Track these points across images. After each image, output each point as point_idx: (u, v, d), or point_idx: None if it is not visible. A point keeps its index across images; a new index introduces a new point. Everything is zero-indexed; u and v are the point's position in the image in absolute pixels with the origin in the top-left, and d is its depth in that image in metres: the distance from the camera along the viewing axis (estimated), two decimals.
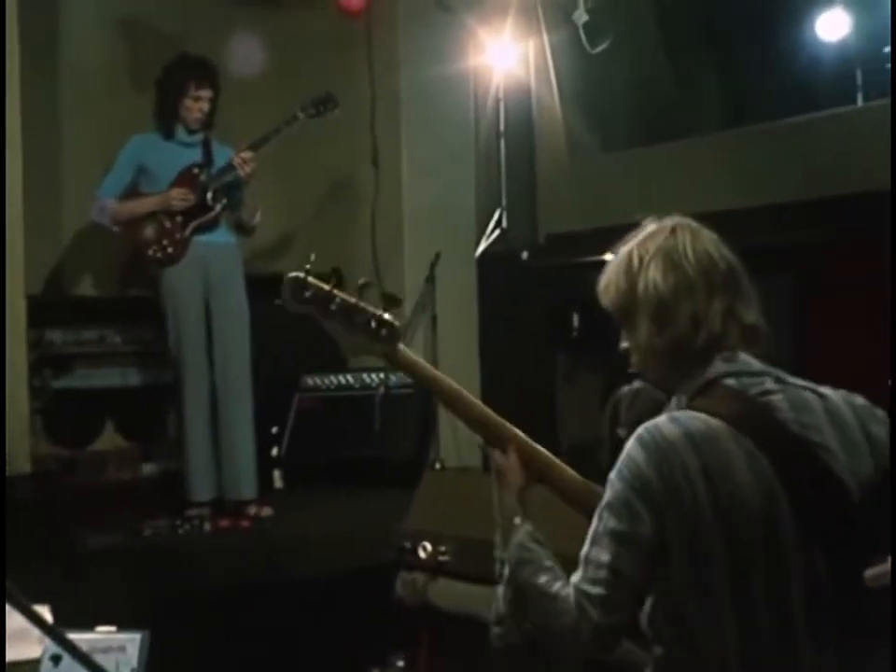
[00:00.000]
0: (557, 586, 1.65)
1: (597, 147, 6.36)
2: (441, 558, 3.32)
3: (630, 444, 1.62)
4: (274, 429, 4.97)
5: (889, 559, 1.44)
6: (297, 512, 4.46)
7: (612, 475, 1.63)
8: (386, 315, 1.86)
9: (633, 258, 1.71)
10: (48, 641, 1.70)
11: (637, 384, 3.73)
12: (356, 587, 3.68)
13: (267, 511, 4.30)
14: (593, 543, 1.62)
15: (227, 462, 4.29)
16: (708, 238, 1.72)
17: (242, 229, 4.45)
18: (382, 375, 4.95)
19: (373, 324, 1.85)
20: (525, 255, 6.22)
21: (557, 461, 1.89)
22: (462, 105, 5.76)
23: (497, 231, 6.29)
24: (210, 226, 4.30)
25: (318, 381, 5.17)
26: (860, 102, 5.33)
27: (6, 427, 3.85)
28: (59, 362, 4.65)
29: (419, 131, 5.49)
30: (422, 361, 1.92)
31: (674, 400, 1.72)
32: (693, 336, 1.66)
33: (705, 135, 6.12)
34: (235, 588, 3.53)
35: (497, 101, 6.40)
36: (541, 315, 5.98)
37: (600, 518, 1.62)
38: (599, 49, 5.06)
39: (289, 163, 5.41)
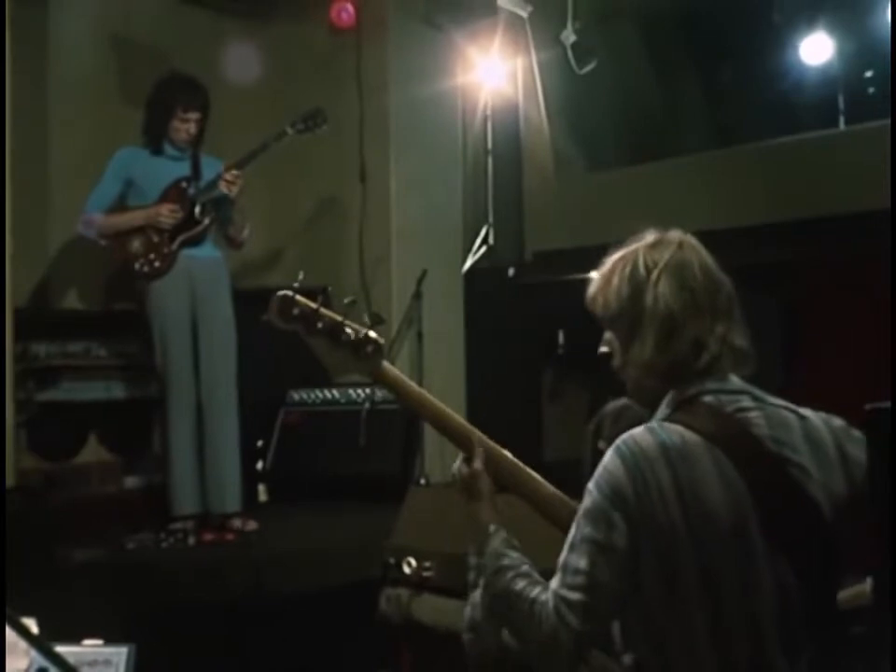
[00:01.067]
0: (535, 591, 1.67)
1: (584, 166, 6.41)
2: (425, 574, 3.34)
3: (608, 455, 1.65)
4: (260, 443, 4.97)
5: (867, 580, 1.46)
6: (281, 527, 4.45)
7: (590, 485, 1.65)
8: (371, 333, 1.89)
9: (639, 266, 1.71)
10: (34, 654, 1.70)
11: (622, 400, 3.75)
12: (341, 602, 3.68)
13: (252, 526, 4.29)
14: (571, 550, 1.64)
15: (211, 475, 4.28)
16: (710, 259, 1.75)
17: (230, 244, 4.46)
18: (368, 391, 4.96)
19: (358, 342, 1.88)
20: (511, 271, 6.24)
21: (528, 470, 1.92)
22: (450, 121, 5.81)
23: (484, 248, 6.31)
24: (197, 240, 4.31)
25: (304, 395, 5.18)
26: (842, 125, 5.39)
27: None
28: (43, 375, 4.64)
29: (407, 147, 5.52)
30: (404, 378, 1.94)
31: (658, 412, 1.74)
32: (695, 358, 1.67)
33: (690, 155, 6.16)
34: (220, 603, 3.52)
35: (485, 118, 6.45)
36: (527, 331, 5.99)
37: (578, 526, 1.64)
38: (587, 69, 5.10)
39: (278, 179, 5.44)
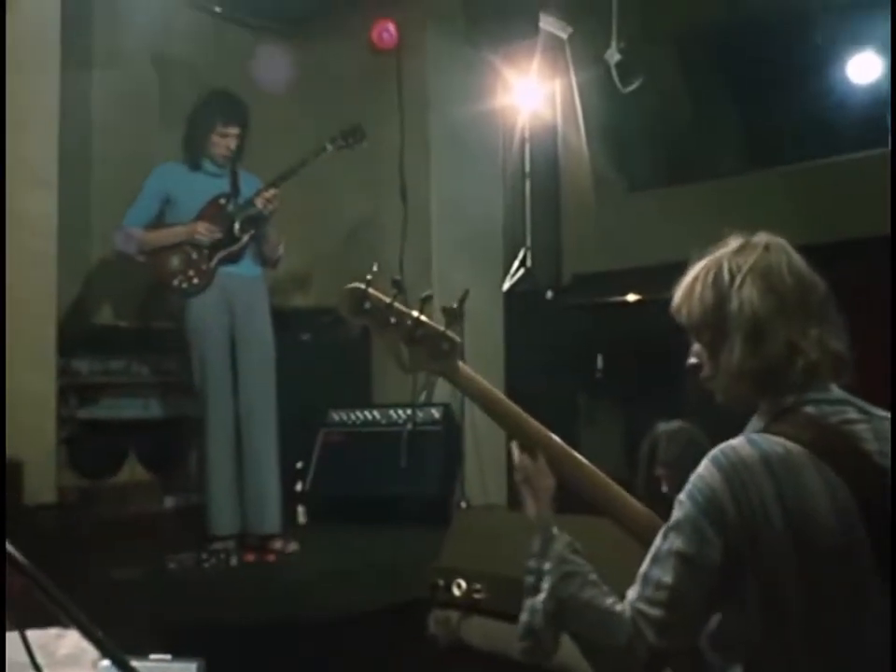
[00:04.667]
0: (608, 602, 1.59)
1: (623, 188, 6.36)
2: (476, 596, 3.26)
3: (704, 465, 1.56)
4: (299, 464, 4.92)
5: None
6: (322, 548, 4.40)
7: (682, 496, 1.57)
8: (448, 331, 1.82)
9: (723, 271, 1.65)
10: (101, 665, 1.65)
11: (675, 422, 3.67)
12: (384, 624, 3.61)
13: (293, 547, 4.24)
14: (655, 562, 1.56)
15: (251, 496, 4.23)
16: (801, 260, 1.67)
17: (265, 262, 4.42)
18: (409, 411, 4.91)
19: (433, 339, 1.80)
20: (549, 294, 6.19)
21: (608, 480, 1.83)
22: (491, 142, 5.78)
23: (522, 271, 6.28)
24: (236, 257, 4.28)
25: (344, 416, 5.13)
26: (889, 145, 5.31)
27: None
28: (85, 392, 4.61)
29: (448, 167, 5.49)
30: (480, 378, 1.85)
31: (750, 425, 1.67)
32: (789, 364, 1.60)
33: (731, 176, 6.11)
34: (264, 623, 3.46)
35: (523, 141, 6.43)
36: (566, 354, 5.94)
37: (665, 537, 1.56)
38: (631, 88, 5.05)
39: (318, 198, 5.41)
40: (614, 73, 4.96)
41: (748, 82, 6.29)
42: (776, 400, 1.62)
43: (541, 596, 1.69)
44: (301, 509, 4.89)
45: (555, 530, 1.73)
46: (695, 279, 1.71)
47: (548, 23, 5.81)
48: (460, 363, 1.82)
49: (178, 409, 4.83)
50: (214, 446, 4.20)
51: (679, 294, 1.74)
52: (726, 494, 1.51)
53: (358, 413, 5.11)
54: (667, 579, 1.53)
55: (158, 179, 4.35)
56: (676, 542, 1.54)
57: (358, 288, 1.81)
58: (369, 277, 1.82)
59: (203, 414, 4.22)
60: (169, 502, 4.91)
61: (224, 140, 4.29)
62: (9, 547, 1.53)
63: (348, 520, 4.80)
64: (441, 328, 1.81)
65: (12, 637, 1.88)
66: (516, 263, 6.29)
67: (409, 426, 4.84)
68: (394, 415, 5.01)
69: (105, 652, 1.52)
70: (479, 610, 3.24)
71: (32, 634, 1.84)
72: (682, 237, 5.77)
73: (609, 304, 5.98)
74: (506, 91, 5.97)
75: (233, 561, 4.03)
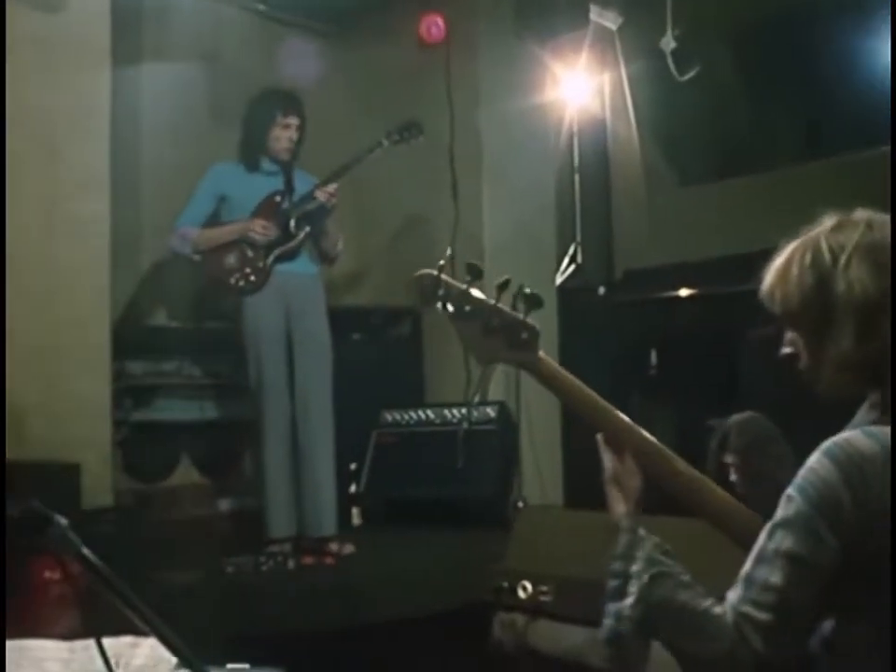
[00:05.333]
0: (705, 605, 1.50)
1: (675, 181, 6.26)
2: (543, 598, 3.18)
3: (815, 459, 1.46)
4: (353, 466, 4.86)
5: None
6: (378, 551, 4.33)
7: (791, 490, 1.47)
8: (527, 319, 1.72)
9: (822, 251, 1.54)
10: None
11: (745, 413, 3.56)
12: (448, 628, 3.54)
13: (349, 549, 4.17)
14: (760, 562, 1.46)
15: (308, 498, 4.16)
16: None
17: (324, 258, 4.37)
18: (463, 411, 4.83)
19: (512, 328, 1.71)
20: (601, 290, 6.11)
21: (704, 478, 1.73)
22: (542, 136, 5.69)
23: (573, 267, 6.19)
24: (292, 254, 4.21)
25: (398, 416, 5.07)
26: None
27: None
28: (138, 394, 4.58)
29: (499, 163, 5.41)
30: (562, 370, 1.76)
31: (858, 417, 1.57)
32: None
33: (784, 168, 5.99)
34: (328, 627, 3.40)
35: (571, 135, 6.35)
36: (619, 351, 5.85)
37: (771, 535, 1.47)
38: (688, 76, 4.95)
39: (367, 195, 5.35)
40: (670, 61, 4.86)
41: (803, 70, 6.16)
42: (888, 391, 1.52)
43: (629, 601, 1.60)
44: (355, 511, 4.83)
45: (642, 531, 1.65)
46: (789, 261, 1.60)
47: (597, 14, 5.73)
48: (541, 353, 1.73)
49: (232, 411, 4.79)
50: (270, 448, 4.13)
51: (770, 279, 1.64)
52: (843, 488, 1.42)
53: (412, 414, 5.04)
54: (775, 580, 1.43)
55: (213, 178, 4.30)
56: (785, 541, 1.45)
57: (431, 275, 1.73)
58: (441, 262, 1.74)
59: (259, 416, 4.14)
60: (223, 505, 4.87)
61: (286, 132, 4.23)
62: (86, 551, 1.48)
63: (403, 522, 4.74)
64: (520, 315, 1.71)
65: (83, 646, 1.83)
66: (566, 259, 6.21)
67: (464, 425, 4.76)
68: (448, 415, 4.93)
69: (184, 662, 1.46)
70: (546, 613, 3.16)
71: (104, 642, 1.80)
72: (735, 230, 5.70)
73: (661, 300, 5.89)
74: (554, 84, 5.89)
75: (291, 564, 3.97)
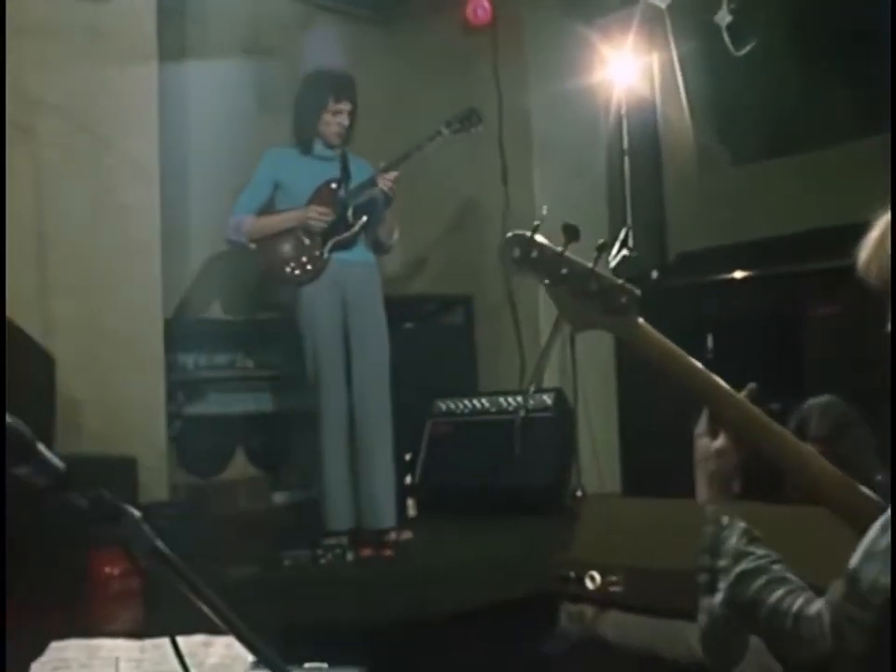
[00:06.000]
0: (799, 602, 1.39)
1: (727, 161, 6.11)
2: (612, 589, 3.09)
3: None
4: (407, 456, 4.79)
5: None
6: (436, 542, 4.26)
7: None
8: (626, 283, 1.60)
9: None
10: None
11: (825, 396, 3.43)
12: (513, 619, 3.46)
13: (407, 535, 4.11)
14: (868, 558, 1.34)
15: (365, 489, 4.10)
16: None
17: (379, 247, 4.30)
18: (519, 398, 4.74)
19: (610, 292, 1.59)
20: (654, 274, 5.98)
21: (819, 458, 1.61)
22: (591, 118, 5.58)
23: (625, 251, 6.07)
24: (349, 243, 4.14)
25: (452, 405, 4.99)
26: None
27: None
28: (192, 387, 4.54)
29: (549, 146, 5.32)
30: (664, 338, 1.65)
31: None
32: None
33: (840, 146, 5.82)
34: (390, 620, 3.34)
35: (620, 117, 6.22)
36: (674, 336, 5.72)
37: (885, 530, 1.34)
38: (744, 50, 4.82)
39: (417, 182, 5.27)
40: (725, 36, 4.74)
41: (859, 44, 6.00)
42: None
43: (718, 598, 1.50)
44: (410, 501, 4.76)
45: (727, 519, 1.55)
46: (885, 234, 1.50)
47: None
48: (640, 320, 1.62)
49: (286, 403, 4.74)
50: (328, 439, 4.07)
51: (866, 252, 1.53)
52: None
53: (466, 402, 4.96)
54: (885, 580, 1.31)
55: (268, 164, 4.23)
56: None
57: (524, 236, 1.61)
58: (536, 223, 1.64)
59: (316, 407, 4.08)
60: (278, 498, 4.82)
61: (337, 118, 4.17)
62: (160, 544, 1.40)
63: (459, 512, 4.65)
64: (619, 280, 1.60)
65: (153, 645, 1.77)
66: (617, 244, 6.09)
67: (521, 412, 4.66)
68: (503, 403, 4.84)
69: (264, 662, 1.38)
70: (616, 604, 3.07)
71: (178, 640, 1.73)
72: (791, 210, 5.54)
73: (716, 282, 5.76)
74: (602, 65, 5.77)
75: (349, 556, 3.90)
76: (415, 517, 4.74)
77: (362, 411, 4.10)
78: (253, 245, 4.16)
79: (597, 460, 4.99)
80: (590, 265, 1.59)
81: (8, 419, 1.17)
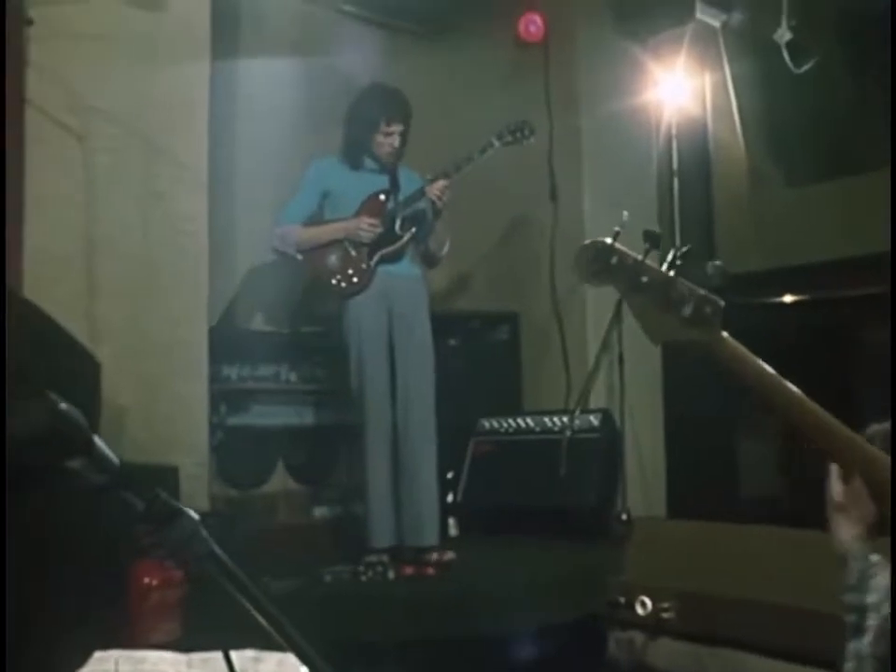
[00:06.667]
0: None
1: (781, 182, 6.01)
2: (664, 615, 3.00)
3: None
4: (450, 474, 4.71)
5: None
6: (480, 562, 4.17)
7: None
8: (710, 293, 1.53)
9: None
10: None
11: (885, 423, 3.32)
12: (559, 643, 3.37)
13: (450, 556, 4.02)
14: None
15: (409, 507, 4.02)
16: None
17: (429, 259, 4.24)
18: (565, 418, 4.66)
19: (694, 302, 1.52)
20: None
21: None
22: (643, 138, 5.51)
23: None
24: (397, 256, 4.09)
25: (496, 424, 4.92)
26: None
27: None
28: (234, 398, 4.49)
29: (600, 164, 5.25)
30: (750, 354, 1.55)
31: None
32: None
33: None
34: (432, 639, 3.26)
35: (670, 138, 6.15)
36: None
37: None
38: (804, 68, 4.73)
39: (464, 198, 5.21)
40: (785, 53, 4.64)
41: None
42: None
43: (868, 637, 1.41)
44: (452, 521, 4.68)
45: (875, 557, 1.45)
46: None
47: (701, 11, 5.53)
48: (725, 333, 1.53)
49: (328, 417, 4.68)
50: (372, 455, 4.00)
51: None
52: None
53: (510, 421, 4.88)
54: None
55: (316, 174, 4.20)
56: None
57: (603, 243, 1.54)
58: (617, 229, 1.57)
59: (361, 421, 4.02)
60: (318, 513, 4.75)
61: (388, 139, 4.13)
62: (217, 549, 1.33)
63: (502, 532, 4.56)
64: (703, 290, 1.53)
65: (201, 659, 1.71)
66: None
67: (568, 433, 4.58)
68: (548, 423, 4.76)
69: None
70: (667, 631, 2.98)
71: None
72: (844, 232, 5.42)
73: (768, 305, 5.66)
74: (653, 85, 5.71)
75: (391, 574, 3.83)
76: (456, 536, 4.66)
77: (406, 426, 4.03)
78: (300, 256, 4.11)
79: (644, 483, 4.89)
80: (671, 274, 1.51)
81: (65, 406, 1.11)
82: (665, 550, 3.19)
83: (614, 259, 1.51)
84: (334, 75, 5.05)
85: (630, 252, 1.52)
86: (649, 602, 3.03)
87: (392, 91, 4.20)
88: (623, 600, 3.10)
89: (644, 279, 1.51)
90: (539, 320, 5.23)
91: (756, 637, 2.80)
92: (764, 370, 1.53)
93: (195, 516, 1.21)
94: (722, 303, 1.51)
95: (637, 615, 3.05)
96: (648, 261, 1.52)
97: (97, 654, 1.57)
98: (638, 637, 3.04)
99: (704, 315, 1.50)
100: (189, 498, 3.81)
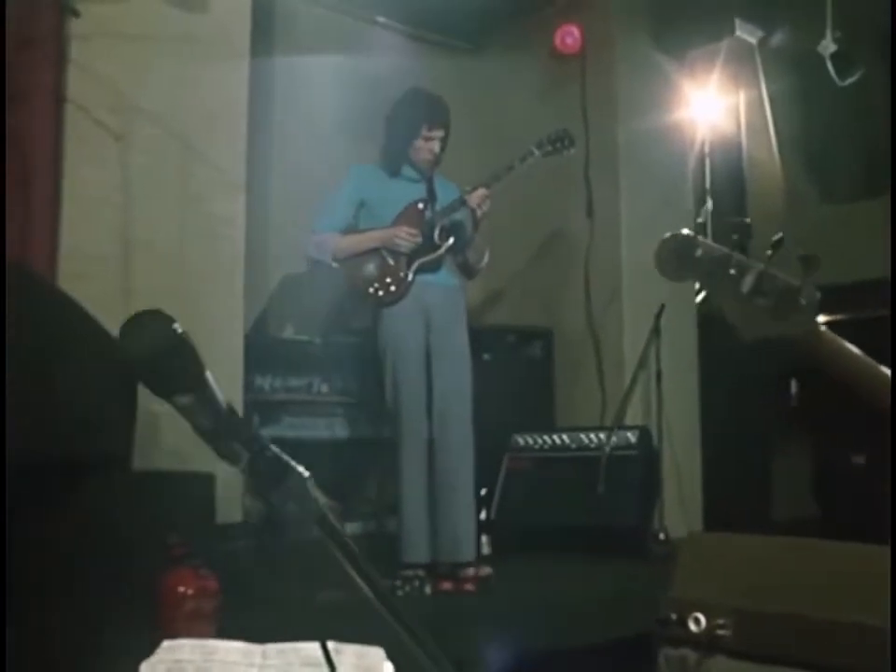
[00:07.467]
0: None
1: (817, 199, 5.94)
2: (720, 632, 2.88)
3: None
4: (483, 491, 4.61)
5: None
6: (517, 580, 4.07)
7: None
8: (804, 284, 1.40)
9: None
10: None
11: None
12: (604, 663, 3.26)
13: (486, 571, 3.91)
14: None
15: (445, 522, 3.90)
16: None
17: (466, 270, 4.16)
18: (601, 435, 4.56)
19: (787, 294, 1.41)
20: None
21: None
22: (680, 152, 5.44)
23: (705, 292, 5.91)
24: (435, 265, 4.01)
25: (530, 440, 4.83)
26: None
27: None
28: (266, 409, 4.40)
29: (637, 179, 5.18)
30: (853, 349, 1.46)
31: None
32: None
33: None
34: (471, 658, 3.15)
35: (703, 156, 6.10)
36: (758, 380, 5.53)
37: None
38: (850, 80, 4.67)
39: (499, 212, 5.15)
40: (829, 66, 4.57)
41: None
42: None
43: None
44: (485, 538, 4.57)
45: None
46: None
47: (739, 27, 5.48)
48: (823, 326, 1.44)
49: (361, 430, 4.59)
50: (408, 469, 3.89)
51: None
52: None
53: (545, 437, 4.79)
54: None
55: (354, 182, 4.12)
56: None
57: (687, 235, 1.44)
58: (700, 220, 1.49)
59: (396, 434, 3.92)
60: (348, 528, 4.64)
61: (429, 144, 4.05)
62: (329, 512, 1.22)
63: (536, 550, 4.47)
64: (797, 281, 1.42)
65: (277, 650, 1.61)
66: (697, 284, 5.92)
67: (606, 449, 4.48)
68: (584, 439, 4.67)
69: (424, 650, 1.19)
70: (723, 649, 2.86)
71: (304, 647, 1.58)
72: (879, 251, 5.32)
73: None
74: (688, 103, 5.66)
75: (427, 589, 3.73)
76: (490, 554, 4.55)
77: (443, 440, 3.92)
78: (336, 265, 4.04)
79: (681, 501, 4.79)
80: (762, 265, 1.41)
81: (179, 328, 1.01)
82: (716, 564, 3.07)
83: (698, 252, 1.41)
84: (370, 83, 5.00)
85: (715, 244, 1.42)
86: (703, 618, 2.91)
87: (434, 97, 4.14)
88: (674, 617, 2.98)
89: (732, 272, 1.40)
90: (572, 336, 5.15)
91: (813, 655, 2.69)
92: (871, 365, 1.42)
93: (306, 473, 1.10)
94: (819, 294, 1.39)
95: (691, 632, 2.93)
96: (736, 253, 1.41)
97: (166, 643, 1.48)
98: (691, 654, 2.90)
99: (799, 307, 1.39)
100: (225, 509, 3.73)
